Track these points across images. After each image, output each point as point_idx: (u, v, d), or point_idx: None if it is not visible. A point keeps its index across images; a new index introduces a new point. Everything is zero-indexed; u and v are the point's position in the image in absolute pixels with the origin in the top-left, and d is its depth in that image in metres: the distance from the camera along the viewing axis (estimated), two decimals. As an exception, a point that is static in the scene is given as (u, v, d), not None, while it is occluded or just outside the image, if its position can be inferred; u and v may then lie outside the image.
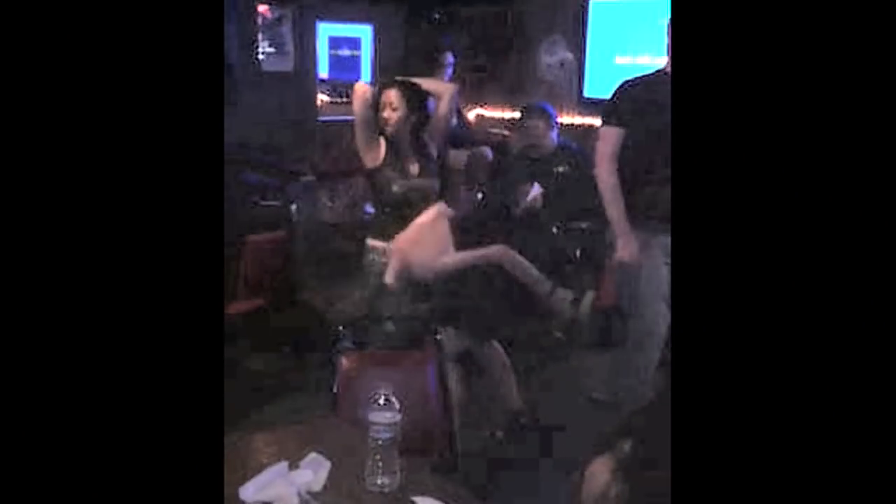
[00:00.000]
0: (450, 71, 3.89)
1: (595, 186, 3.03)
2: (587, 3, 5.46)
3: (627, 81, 2.97)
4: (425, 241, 2.68)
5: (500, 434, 3.23)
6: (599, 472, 1.09)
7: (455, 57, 3.99)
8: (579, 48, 5.54)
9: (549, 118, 3.84)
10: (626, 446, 1.07)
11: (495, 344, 3.12)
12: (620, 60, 5.23)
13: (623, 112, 2.87)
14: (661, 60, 2.97)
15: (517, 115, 5.69)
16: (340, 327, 2.66)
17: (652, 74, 2.94)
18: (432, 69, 3.77)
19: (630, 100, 2.88)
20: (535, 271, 2.66)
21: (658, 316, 2.83)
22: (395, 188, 2.96)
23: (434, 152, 3.07)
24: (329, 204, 4.28)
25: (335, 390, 2.24)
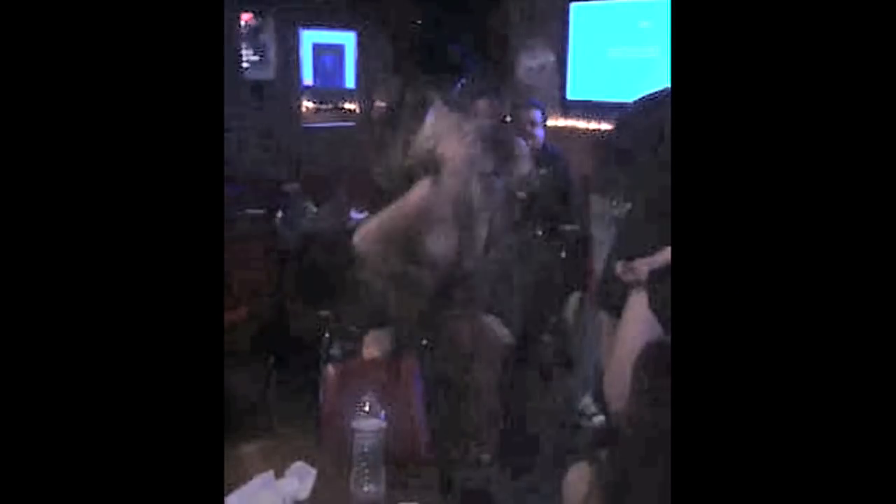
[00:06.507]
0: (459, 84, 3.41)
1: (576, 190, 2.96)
2: (568, 6, 5.49)
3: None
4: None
5: (485, 457, 3.20)
6: (578, 482, 1.09)
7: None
8: (561, 51, 5.56)
9: (538, 112, 4.02)
10: (603, 456, 1.08)
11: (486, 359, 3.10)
12: (602, 62, 5.26)
13: None
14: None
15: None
16: (326, 335, 2.66)
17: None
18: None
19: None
20: None
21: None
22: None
23: None
24: (314, 211, 4.26)
25: (321, 399, 2.24)
